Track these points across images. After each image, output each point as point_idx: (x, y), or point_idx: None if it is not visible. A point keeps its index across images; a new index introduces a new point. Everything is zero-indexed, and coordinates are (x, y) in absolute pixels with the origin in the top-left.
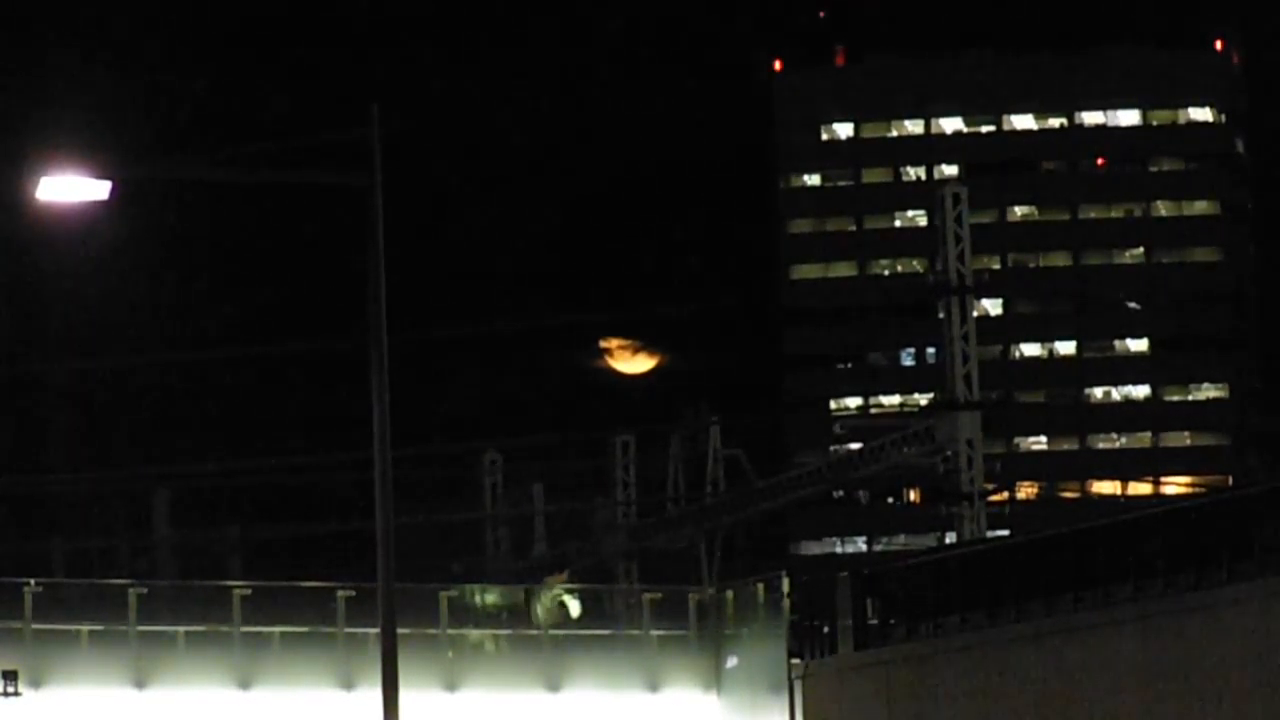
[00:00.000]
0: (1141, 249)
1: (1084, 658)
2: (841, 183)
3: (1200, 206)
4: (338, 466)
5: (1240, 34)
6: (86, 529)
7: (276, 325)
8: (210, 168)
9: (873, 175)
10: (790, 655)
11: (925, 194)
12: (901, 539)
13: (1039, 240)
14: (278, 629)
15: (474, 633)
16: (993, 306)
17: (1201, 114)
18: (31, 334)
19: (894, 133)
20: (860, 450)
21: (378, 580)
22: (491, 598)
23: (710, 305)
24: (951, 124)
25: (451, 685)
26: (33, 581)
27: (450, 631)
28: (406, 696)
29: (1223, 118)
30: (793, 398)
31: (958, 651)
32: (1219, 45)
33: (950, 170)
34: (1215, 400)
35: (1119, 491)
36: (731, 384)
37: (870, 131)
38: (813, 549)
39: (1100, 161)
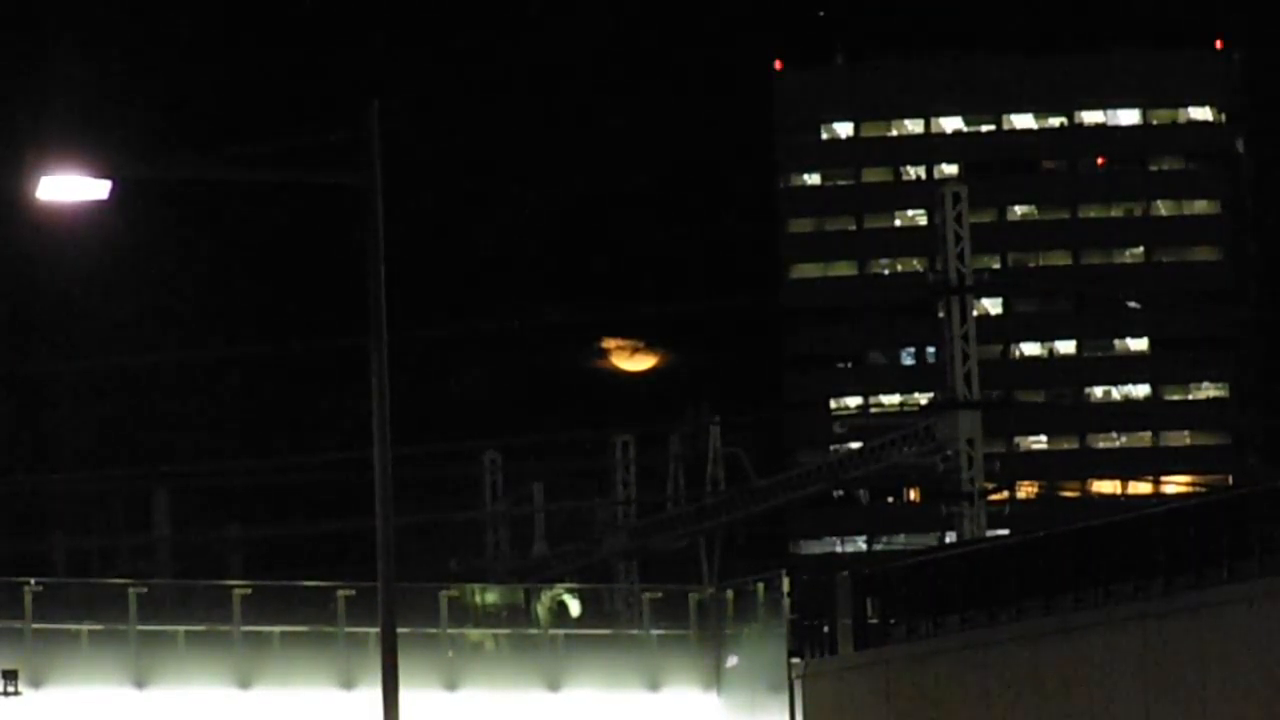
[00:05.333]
0: (1141, 249)
1: (1084, 658)
2: (841, 183)
3: (1200, 206)
4: (338, 466)
5: (1240, 34)
6: (86, 529)
7: (276, 325)
8: (210, 168)
9: (873, 175)
10: (790, 655)
11: (925, 194)
12: (901, 539)
13: (1039, 240)
14: (278, 629)
15: (474, 632)
16: (993, 306)
17: (1201, 114)
18: (32, 334)
19: (894, 133)
20: (860, 450)
21: (378, 580)
22: (491, 597)
23: (710, 305)
24: (951, 124)
25: (451, 685)
26: (33, 581)
27: (450, 631)
28: (406, 696)
29: (1223, 118)
30: (793, 398)
31: (958, 651)
32: (1219, 45)
33: (950, 170)
34: (1215, 400)
35: (1119, 491)
36: (731, 384)
37: (870, 131)
38: (813, 549)
39: (1100, 161)
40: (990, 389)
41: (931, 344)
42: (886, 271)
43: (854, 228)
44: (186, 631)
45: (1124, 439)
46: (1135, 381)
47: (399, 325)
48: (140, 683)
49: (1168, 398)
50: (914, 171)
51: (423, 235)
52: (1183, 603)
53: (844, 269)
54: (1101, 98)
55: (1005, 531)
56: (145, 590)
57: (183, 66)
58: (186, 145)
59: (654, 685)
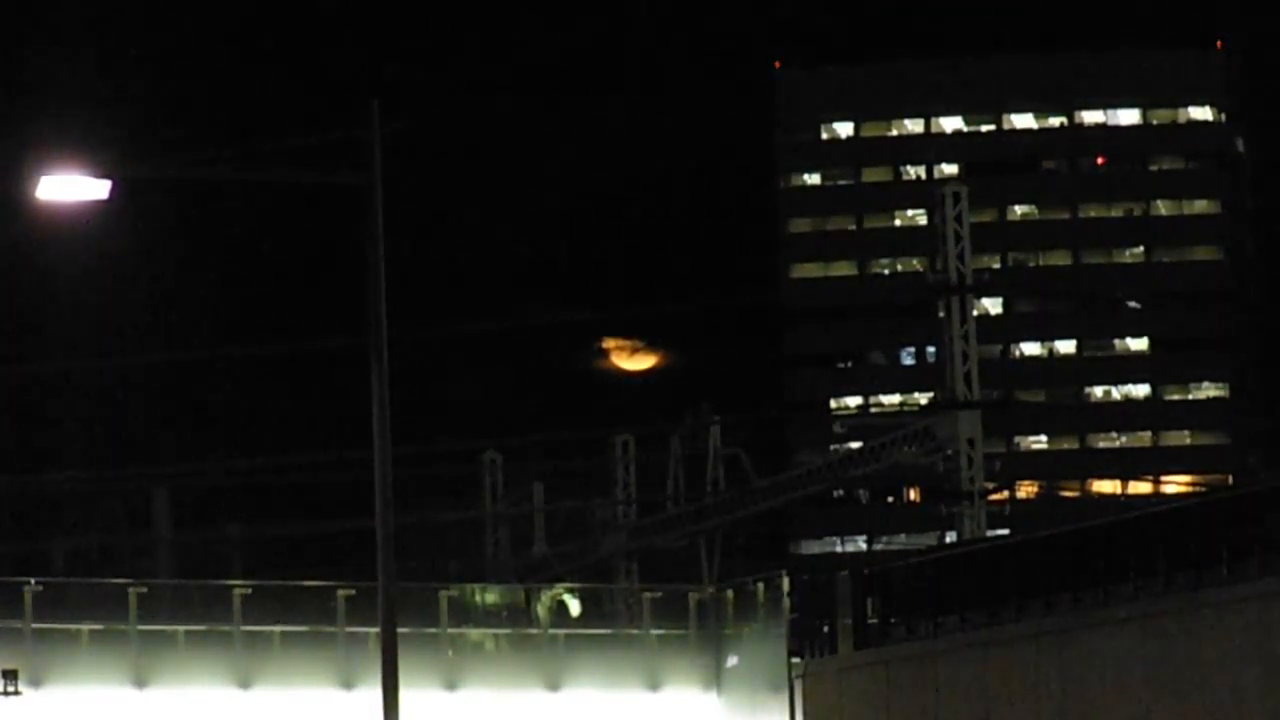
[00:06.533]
0: (1141, 248)
1: (1084, 658)
2: (841, 182)
3: (1200, 206)
4: (338, 466)
5: (1240, 34)
6: (86, 529)
7: (276, 325)
8: (210, 168)
9: (873, 175)
10: (790, 655)
11: (925, 194)
12: (901, 538)
13: (1039, 240)
14: (278, 629)
15: (474, 632)
16: (993, 306)
17: (1201, 114)
18: (32, 334)
19: (894, 132)
20: (860, 450)
21: (378, 580)
22: (491, 597)
23: (710, 305)
24: (951, 124)
25: (451, 685)
26: (33, 581)
27: (450, 631)
28: (406, 696)
29: (1223, 118)
30: (793, 398)
31: (957, 651)
32: (1219, 45)
33: (950, 170)
34: (1215, 400)
35: (1119, 491)
36: (731, 384)
37: (870, 131)
38: (813, 549)
39: (1100, 161)
40: (990, 389)
41: (931, 344)
42: (886, 271)
43: (854, 228)
44: (186, 631)
45: (1124, 439)
46: (1135, 381)
47: (399, 325)
48: (140, 683)
49: (1168, 398)
50: (914, 171)
51: (423, 235)
52: (1183, 603)
53: (844, 269)
54: (1101, 98)
55: (1005, 531)
56: (145, 590)
57: (183, 66)
58: (186, 145)
59: (654, 685)
